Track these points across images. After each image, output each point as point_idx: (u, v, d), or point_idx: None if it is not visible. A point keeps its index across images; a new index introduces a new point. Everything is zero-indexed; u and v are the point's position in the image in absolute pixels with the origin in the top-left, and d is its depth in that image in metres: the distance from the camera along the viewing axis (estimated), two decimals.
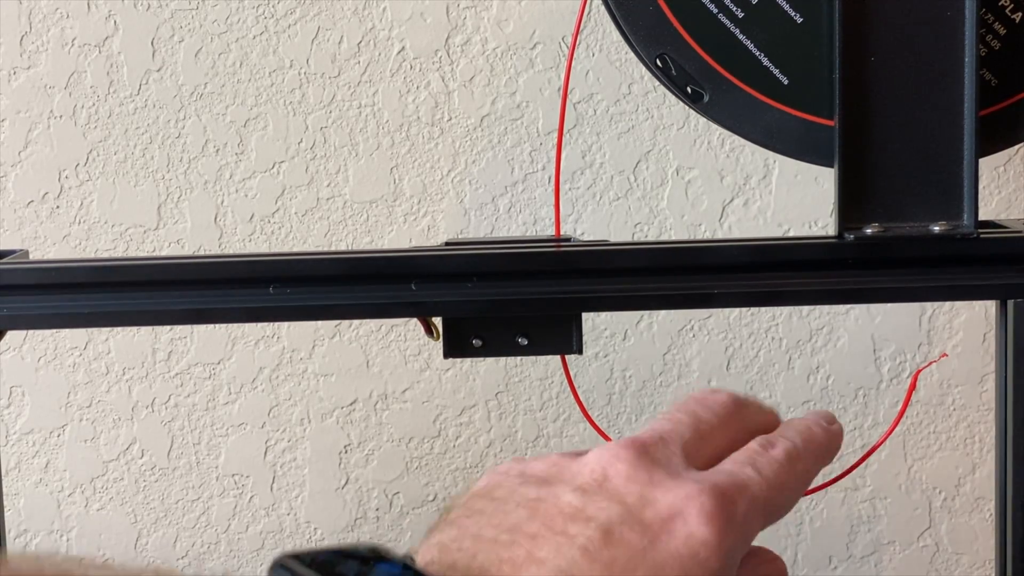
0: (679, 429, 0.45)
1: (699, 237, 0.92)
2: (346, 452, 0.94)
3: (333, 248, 0.92)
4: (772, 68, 0.57)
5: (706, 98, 0.57)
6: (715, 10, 0.56)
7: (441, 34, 0.90)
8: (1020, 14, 0.57)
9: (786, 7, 0.56)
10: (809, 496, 0.95)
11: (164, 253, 0.92)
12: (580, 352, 0.58)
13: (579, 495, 0.41)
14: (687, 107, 0.58)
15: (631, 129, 0.91)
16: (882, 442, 0.58)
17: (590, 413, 0.94)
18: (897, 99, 0.56)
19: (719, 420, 0.47)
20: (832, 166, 0.57)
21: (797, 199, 0.92)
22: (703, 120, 0.62)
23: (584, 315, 0.58)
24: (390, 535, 0.95)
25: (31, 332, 0.90)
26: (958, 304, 0.93)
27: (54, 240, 0.92)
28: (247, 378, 0.94)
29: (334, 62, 0.90)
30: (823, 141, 0.56)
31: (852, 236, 0.56)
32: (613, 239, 0.89)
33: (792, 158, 0.58)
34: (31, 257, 0.62)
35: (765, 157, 0.91)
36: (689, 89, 0.57)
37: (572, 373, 0.93)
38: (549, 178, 0.91)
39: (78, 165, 0.91)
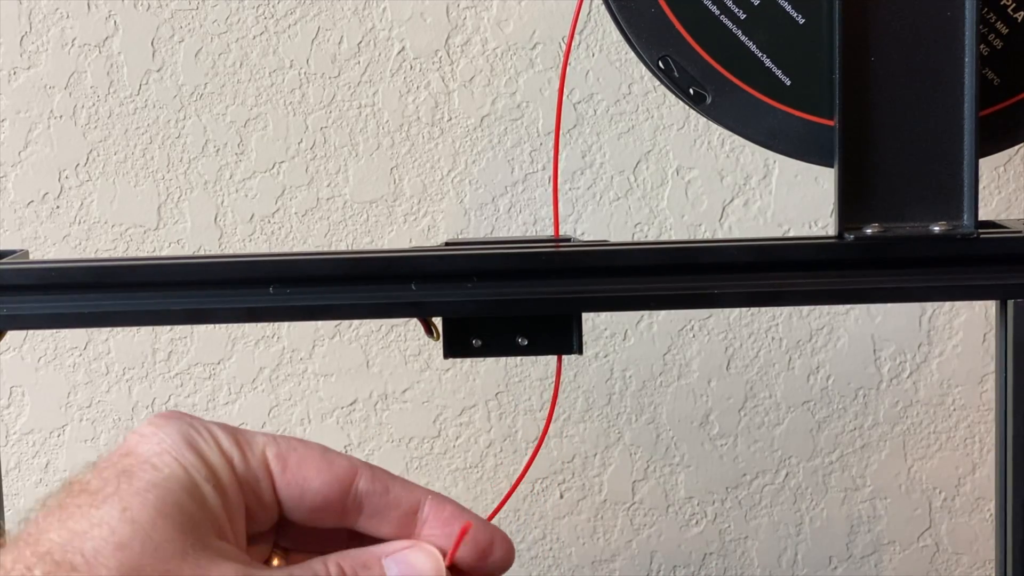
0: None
1: (699, 237, 0.92)
2: (346, 452, 0.94)
3: (333, 248, 0.92)
4: (774, 69, 0.57)
5: (708, 99, 0.57)
6: (717, 11, 0.56)
7: (441, 34, 0.90)
8: (1022, 13, 0.57)
9: (788, 8, 0.56)
10: (809, 496, 0.95)
11: (164, 253, 0.92)
12: (580, 352, 0.58)
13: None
14: (687, 107, 0.58)
15: (631, 129, 0.91)
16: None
17: (590, 413, 0.94)
18: (897, 99, 0.56)
19: None
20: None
21: (797, 199, 0.92)
22: (703, 120, 0.62)
23: (584, 315, 0.58)
24: None
25: (31, 332, 0.90)
26: (958, 304, 0.93)
27: (54, 240, 0.92)
28: (247, 378, 0.94)
29: (334, 62, 0.90)
30: (825, 142, 0.56)
31: (852, 236, 0.56)
32: (613, 239, 0.89)
33: (794, 159, 0.58)
34: (31, 257, 0.62)
35: (765, 157, 0.91)
36: (691, 91, 0.57)
37: (572, 373, 0.93)
38: (549, 178, 0.91)
39: (78, 165, 0.91)
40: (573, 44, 0.90)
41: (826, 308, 0.93)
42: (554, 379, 0.94)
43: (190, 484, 0.42)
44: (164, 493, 0.41)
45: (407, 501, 0.47)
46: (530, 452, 0.95)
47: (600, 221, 0.92)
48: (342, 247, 0.92)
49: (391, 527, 0.46)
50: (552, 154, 0.90)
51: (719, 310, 0.92)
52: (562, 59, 0.89)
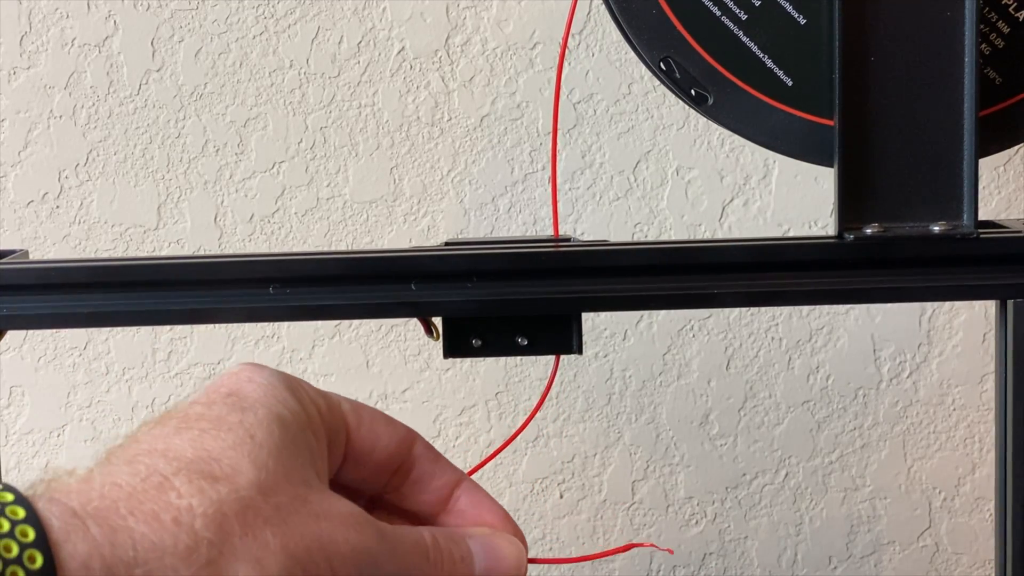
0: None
1: (699, 237, 0.92)
2: None
3: (333, 248, 0.92)
4: (776, 70, 0.57)
5: (710, 100, 0.57)
6: (718, 12, 0.56)
7: (441, 34, 0.90)
8: None
9: (789, 8, 0.56)
10: (809, 496, 0.95)
11: (164, 253, 0.92)
12: (580, 352, 0.58)
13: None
14: (687, 107, 0.58)
15: (631, 129, 0.91)
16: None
17: (590, 413, 0.94)
18: (897, 99, 0.56)
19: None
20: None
21: (797, 199, 0.92)
22: (703, 120, 0.62)
23: (584, 315, 0.58)
24: None
25: (31, 332, 0.90)
26: (958, 304, 0.93)
27: (54, 240, 0.92)
28: None
29: (334, 62, 0.90)
30: (826, 142, 0.56)
31: (852, 236, 0.56)
32: (613, 239, 0.89)
33: (796, 159, 0.58)
34: (31, 257, 0.62)
35: (765, 157, 0.91)
36: (693, 92, 0.57)
37: (572, 373, 0.93)
38: (549, 178, 0.91)
39: (78, 165, 0.91)
40: (573, 44, 0.90)
41: (826, 308, 0.93)
42: (563, 376, 0.94)
43: (299, 425, 0.43)
44: (284, 429, 0.42)
45: (450, 475, 0.49)
46: (530, 452, 0.95)
47: (600, 221, 0.92)
48: (342, 247, 0.92)
49: (429, 496, 0.48)
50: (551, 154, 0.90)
51: (719, 310, 0.92)
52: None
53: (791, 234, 0.92)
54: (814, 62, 0.56)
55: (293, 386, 0.44)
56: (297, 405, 0.43)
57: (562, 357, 0.58)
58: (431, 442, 0.50)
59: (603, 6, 0.57)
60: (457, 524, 0.48)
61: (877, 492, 0.96)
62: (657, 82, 0.58)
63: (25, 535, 0.35)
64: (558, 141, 0.89)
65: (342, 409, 0.46)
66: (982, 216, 0.57)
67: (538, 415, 0.94)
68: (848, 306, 0.92)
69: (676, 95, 0.57)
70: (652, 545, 0.56)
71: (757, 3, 0.56)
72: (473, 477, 0.50)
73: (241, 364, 0.45)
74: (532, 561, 0.48)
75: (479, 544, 0.47)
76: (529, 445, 0.95)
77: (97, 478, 0.38)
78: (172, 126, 0.91)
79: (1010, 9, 0.57)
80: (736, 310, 0.92)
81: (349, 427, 0.46)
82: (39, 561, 0.35)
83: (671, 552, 0.92)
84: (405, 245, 0.91)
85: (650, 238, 0.91)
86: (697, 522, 0.96)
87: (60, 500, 0.37)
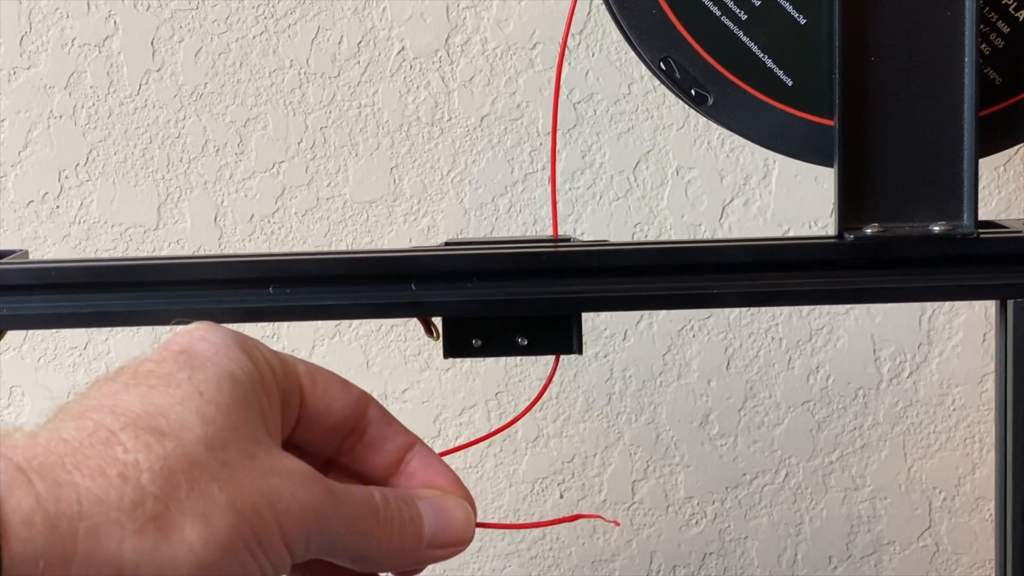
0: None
1: (699, 237, 0.92)
2: None
3: (333, 248, 0.92)
4: (776, 70, 0.57)
5: (710, 101, 0.57)
6: (718, 12, 0.56)
7: (441, 34, 0.90)
8: None
9: (789, 8, 0.56)
10: (809, 496, 0.95)
11: (164, 253, 0.92)
12: (580, 352, 0.58)
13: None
14: (687, 107, 0.58)
15: (631, 129, 0.91)
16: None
17: (590, 413, 0.94)
18: (897, 99, 0.56)
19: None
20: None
21: (797, 199, 0.92)
22: (703, 120, 0.62)
23: (584, 315, 0.58)
24: None
25: (31, 332, 0.90)
26: (958, 304, 0.93)
27: (54, 240, 0.92)
28: None
29: (334, 62, 0.90)
30: (826, 142, 0.56)
31: (852, 236, 0.56)
32: (613, 239, 0.89)
33: (796, 159, 0.58)
34: (31, 257, 0.62)
35: (765, 157, 0.91)
36: (693, 92, 0.57)
37: (572, 373, 0.93)
38: (549, 178, 0.91)
39: (78, 165, 0.91)
40: (573, 44, 0.90)
41: (826, 308, 0.93)
42: (563, 376, 0.94)
43: (251, 383, 0.43)
44: (234, 386, 0.42)
45: (403, 438, 0.49)
46: (530, 452, 0.95)
47: (600, 221, 0.92)
48: (342, 247, 0.92)
49: (382, 459, 0.49)
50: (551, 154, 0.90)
51: (719, 310, 0.92)
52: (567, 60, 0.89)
53: (791, 234, 0.92)
54: (814, 62, 0.56)
55: (247, 346, 0.44)
56: (250, 364, 0.43)
57: (562, 357, 0.58)
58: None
59: (603, 6, 0.57)
60: (408, 486, 0.49)
61: (877, 492, 0.96)
62: (657, 82, 0.58)
63: None
64: (558, 141, 0.89)
65: (297, 371, 0.46)
66: (982, 216, 0.57)
67: (538, 415, 0.94)
68: (848, 306, 0.92)
69: (676, 95, 0.57)
70: (599, 516, 0.56)
71: (757, 3, 0.56)
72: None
73: (195, 323, 0.45)
74: (480, 525, 0.49)
75: (429, 505, 0.47)
76: (529, 445, 0.95)
77: (43, 434, 0.38)
78: (172, 126, 0.91)
79: (1010, 9, 0.57)
80: (736, 310, 0.92)
81: (303, 388, 0.46)
82: None
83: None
84: (405, 245, 0.91)
85: (650, 238, 0.91)
86: (697, 522, 0.96)
87: (4, 455, 0.37)
